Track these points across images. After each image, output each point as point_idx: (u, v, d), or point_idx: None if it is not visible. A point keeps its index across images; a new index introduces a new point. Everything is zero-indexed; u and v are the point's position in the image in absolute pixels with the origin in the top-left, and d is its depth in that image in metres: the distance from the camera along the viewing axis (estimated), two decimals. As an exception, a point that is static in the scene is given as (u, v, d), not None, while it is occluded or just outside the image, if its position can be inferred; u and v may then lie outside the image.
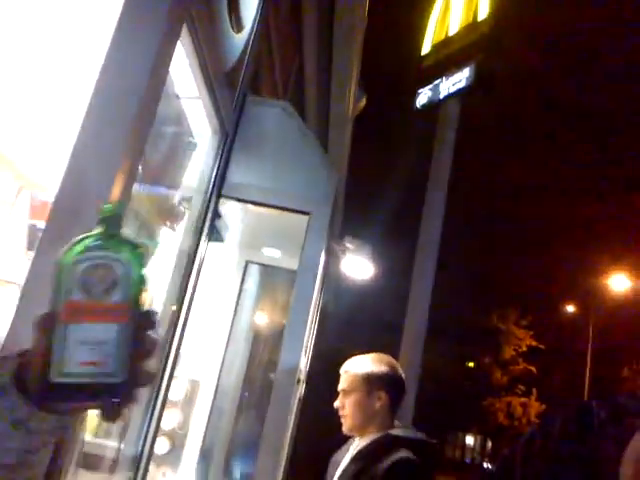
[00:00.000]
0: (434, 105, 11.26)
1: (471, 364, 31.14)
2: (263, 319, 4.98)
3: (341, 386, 2.23)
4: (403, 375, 2.30)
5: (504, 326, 28.35)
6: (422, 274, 8.93)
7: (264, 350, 5.56)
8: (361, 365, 2.24)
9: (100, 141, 1.70)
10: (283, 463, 3.52)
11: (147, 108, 1.85)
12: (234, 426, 4.79)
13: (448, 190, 9.32)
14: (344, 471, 2.16)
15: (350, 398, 2.19)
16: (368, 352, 2.33)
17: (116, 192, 1.72)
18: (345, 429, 2.23)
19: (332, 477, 2.23)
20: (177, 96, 2.48)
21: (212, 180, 2.68)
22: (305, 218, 2.80)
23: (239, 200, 2.78)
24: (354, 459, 2.14)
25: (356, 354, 2.33)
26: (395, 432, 2.17)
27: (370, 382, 2.20)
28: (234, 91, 2.75)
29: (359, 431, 2.20)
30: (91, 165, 1.69)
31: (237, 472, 4.84)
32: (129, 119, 1.74)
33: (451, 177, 9.26)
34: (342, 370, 2.26)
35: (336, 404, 2.23)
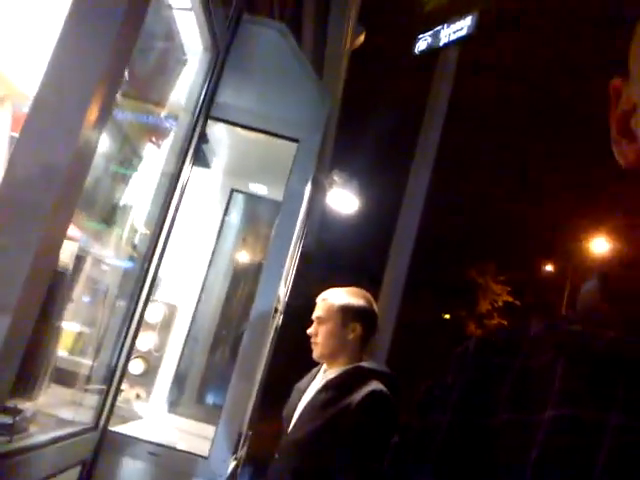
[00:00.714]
0: (433, 51, 11.04)
1: (447, 316, 31.74)
2: (245, 251, 4.97)
3: (317, 313, 2.25)
4: (377, 311, 2.33)
5: (482, 280, 28.76)
6: (407, 222, 8.95)
7: (245, 284, 5.57)
8: (339, 296, 2.26)
9: (82, 47, 1.61)
10: (255, 391, 3.57)
11: (135, 13, 1.75)
12: (210, 355, 4.83)
13: (440, 140, 9.24)
14: (313, 399, 2.18)
15: (324, 326, 2.21)
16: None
17: (96, 103, 1.64)
18: (315, 355, 2.26)
19: (295, 404, 2.26)
20: (169, 6, 2.37)
21: (200, 99, 2.59)
22: (293, 149, 2.74)
23: (227, 122, 2.70)
24: (324, 388, 2.16)
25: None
26: (366, 364, 2.19)
27: (346, 313, 2.22)
28: (229, 7, 2.63)
29: (328, 359, 2.22)
30: (71, 74, 1.60)
31: (210, 400, 4.92)
32: (114, 24, 1.65)
33: (443, 129, 9.16)
34: (319, 298, 2.28)
35: (310, 330, 2.25)
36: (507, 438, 0.42)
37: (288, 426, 2.23)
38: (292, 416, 2.23)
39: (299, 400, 2.25)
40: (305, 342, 2.33)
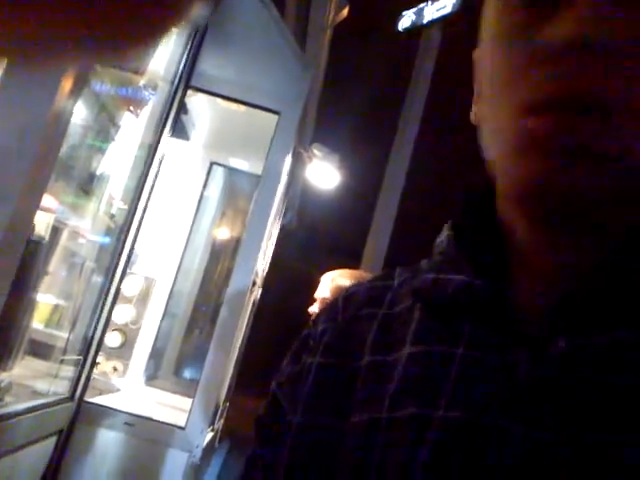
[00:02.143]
0: (417, 29, 10.98)
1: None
2: (225, 226, 4.94)
3: (324, 294, 2.20)
4: None
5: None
6: (387, 201, 8.97)
7: (224, 258, 5.54)
8: (348, 281, 2.23)
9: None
10: (233, 364, 3.58)
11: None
12: (187, 329, 4.83)
13: (422, 118, 9.24)
14: None
15: None
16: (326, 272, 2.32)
17: (71, 71, 1.61)
18: None
19: None
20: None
21: (180, 68, 2.55)
22: (274, 122, 2.72)
23: (207, 92, 2.66)
24: None
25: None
26: None
27: None
28: (210, -25, 2.58)
29: None
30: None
31: (187, 374, 4.92)
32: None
33: (425, 108, 9.15)
34: (328, 278, 2.23)
35: (313, 309, 2.21)
36: (370, 377, 0.46)
37: None
38: None
39: None
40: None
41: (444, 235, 0.49)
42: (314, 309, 2.21)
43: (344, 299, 0.54)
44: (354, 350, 0.49)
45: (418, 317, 0.47)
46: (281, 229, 4.33)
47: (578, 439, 0.36)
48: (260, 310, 4.59)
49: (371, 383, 0.46)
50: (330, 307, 0.55)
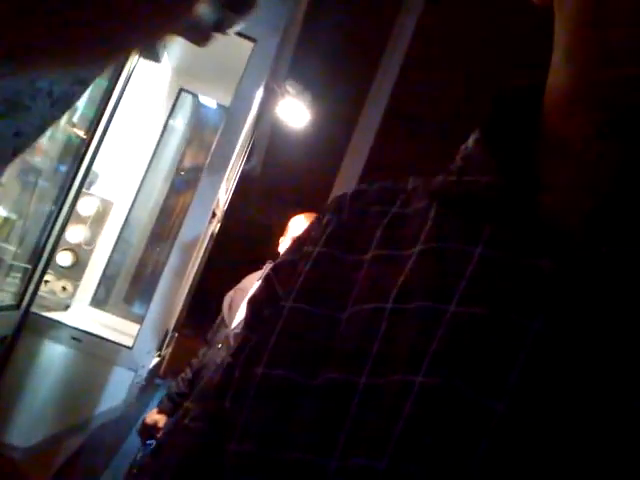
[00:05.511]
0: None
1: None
2: (188, 158, 4.84)
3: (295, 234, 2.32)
4: None
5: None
6: (353, 157, 8.90)
7: (186, 190, 5.45)
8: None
9: None
10: (186, 293, 3.58)
11: None
12: (142, 258, 4.77)
13: (402, 64, 9.09)
14: None
15: None
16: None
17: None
18: None
19: (239, 300, 2.33)
20: None
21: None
22: (247, 52, 2.65)
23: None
24: None
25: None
26: None
27: None
28: None
29: None
30: None
31: (137, 303, 4.89)
32: None
33: (410, 50, 8.99)
34: (302, 220, 2.34)
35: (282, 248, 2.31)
36: (374, 269, 0.44)
37: (231, 321, 2.35)
38: (236, 311, 2.35)
39: (243, 298, 2.36)
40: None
41: (470, 140, 0.46)
42: (283, 248, 2.30)
43: (352, 195, 0.51)
44: (359, 244, 0.47)
45: (433, 216, 0.44)
46: (246, 165, 4.28)
47: (608, 342, 0.34)
48: (214, 258, 4.57)
49: (376, 275, 0.44)
50: (337, 201, 0.51)
